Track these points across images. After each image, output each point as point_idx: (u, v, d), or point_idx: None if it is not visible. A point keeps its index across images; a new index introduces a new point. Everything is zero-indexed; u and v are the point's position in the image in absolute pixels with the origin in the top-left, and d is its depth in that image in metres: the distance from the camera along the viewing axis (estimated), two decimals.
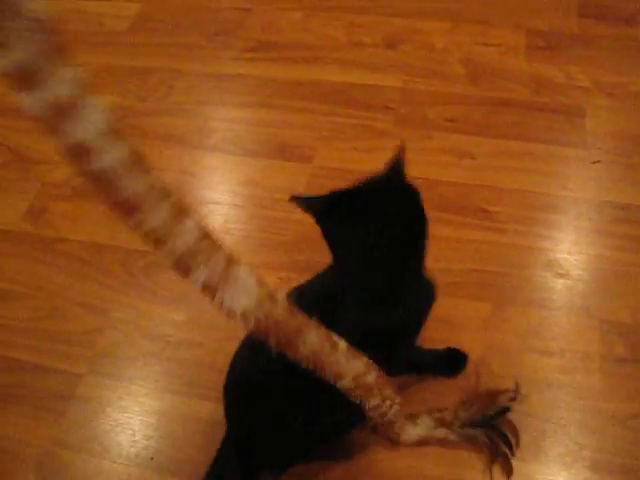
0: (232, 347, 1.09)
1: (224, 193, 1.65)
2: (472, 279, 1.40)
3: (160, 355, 1.35)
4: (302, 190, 1.57)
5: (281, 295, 0.85)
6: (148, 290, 1.48)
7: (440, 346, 1.28)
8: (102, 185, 0.66)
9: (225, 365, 1.09)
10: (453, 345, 1.31)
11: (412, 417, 1.21)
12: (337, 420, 1.11)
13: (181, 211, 0.72)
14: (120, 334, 1.39)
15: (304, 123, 1.75)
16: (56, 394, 1.33)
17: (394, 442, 1.21)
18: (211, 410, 1.24)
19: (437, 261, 1.38)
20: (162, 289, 1.47)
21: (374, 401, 1.03)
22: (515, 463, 1.17)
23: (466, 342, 1.30)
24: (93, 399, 1.32)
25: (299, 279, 1.09)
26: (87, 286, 1.51)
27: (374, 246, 0.95)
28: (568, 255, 1.42)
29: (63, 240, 1.60)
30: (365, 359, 0.96)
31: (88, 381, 1.34)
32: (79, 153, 0.64)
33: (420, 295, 1.05)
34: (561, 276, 1.38)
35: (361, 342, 0.95)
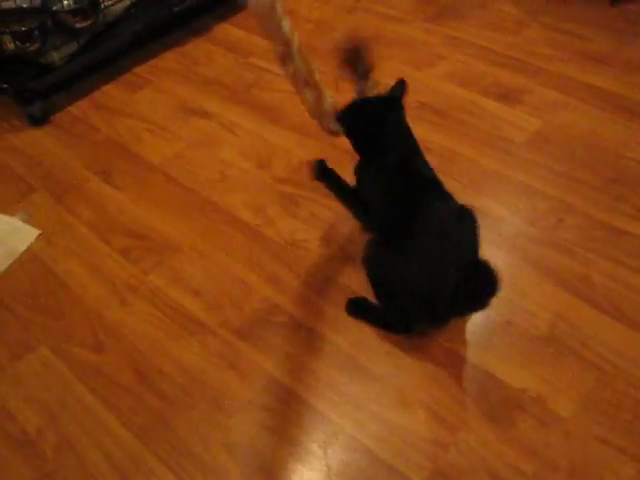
0: None
1: (594, 353, 1.60)
2: None
3: None
4: None
5: None
6: (501, 427, 1.48)
7: None
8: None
9: None
10: None
11: None
12: None
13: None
14: None
15: None
16: None
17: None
18: None
19: None
20: (516, 432, 1.45)
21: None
22: None
23: None
24: None
25: None
26: (440, 395, 1.54)
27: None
28: None
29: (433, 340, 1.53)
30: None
31: None
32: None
33: None
34: None
35: None
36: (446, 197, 1.57)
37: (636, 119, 2.20)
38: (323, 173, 1.62)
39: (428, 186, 1.57)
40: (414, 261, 1.45)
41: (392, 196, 1.53)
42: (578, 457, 1.38)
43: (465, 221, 1.52)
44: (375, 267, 1.56)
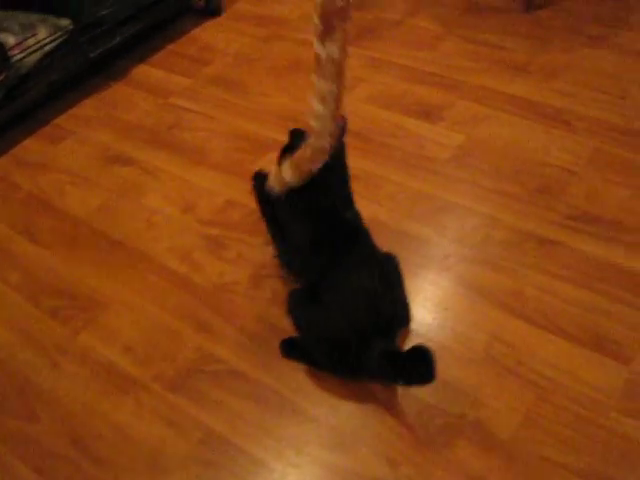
0: None
1: (531, 371, 1.58)
2: None
3: None
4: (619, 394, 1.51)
5: None
6: (441, 455, 1.43)
7: None
8: None
9: None
10: None
11: None
12: None
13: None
14: None
15: (625, 319, 1.66)
16: None
17: None
18: None
19: None
20: (456, 458, 1.43)
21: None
22: None
23: None
24: None
25: None
26: (379, 430, 1.53)
27: None
28: None
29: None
30: None
31: None
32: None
33: None
34: None
35: None
36: (369, 247, 1.56)
37: (557, 125, 2.22)
38: (261, 188, 1.63)
39: (352, 235, 1.53)
40: (331, 313, 1.48)
41: (316, 243, 1.50)
42: (522, 479, 1.34)
43: (387, 270, 1.54)
44: (297, 318, 1.57)
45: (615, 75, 2.45)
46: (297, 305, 1.56)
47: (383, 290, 1.50)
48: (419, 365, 1.36)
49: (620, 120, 2.24)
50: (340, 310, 1.47)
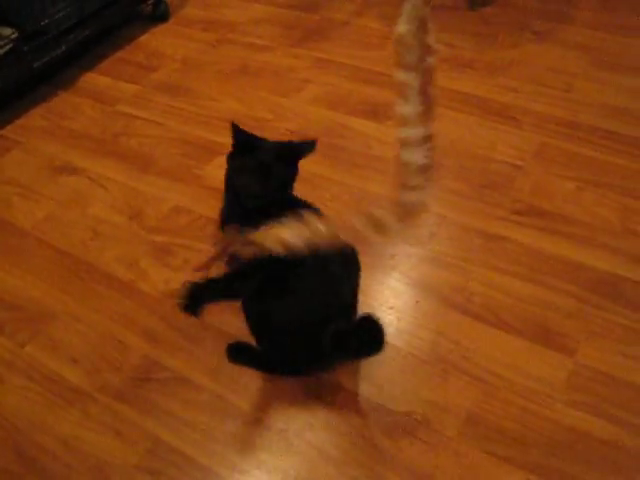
0: None
1: (477, 366, 1.60)
2: None
3: None
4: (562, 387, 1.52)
5: None
6: (389, 454, 1.46)
7: None
8: None
9: None
10: None
11: None
12: None
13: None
14: None
15: (570, 310, 1.68)
16: None
17: None
18: None
19: None
20: (405, 456, 1.44)
21: None
22: None
23: None
24: None
25: None
26: (327, 432, 1.53)
27: None
28: None
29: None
30: None
31: None
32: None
33: None
34: None
35: None
36: None
37: (503, 120, 2.24)
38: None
39: None
40: (295, 302, 1.47)
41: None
42: (468, 475, 1.39)
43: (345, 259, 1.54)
44: (254, 314, 1.56)
45: (559, 69, 2.48)
46: (253, 301, 1.55)
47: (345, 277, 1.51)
48: (370, 334, 1.39)
49: (565, 114, 2.27)
50: (309, 294, 1.46)
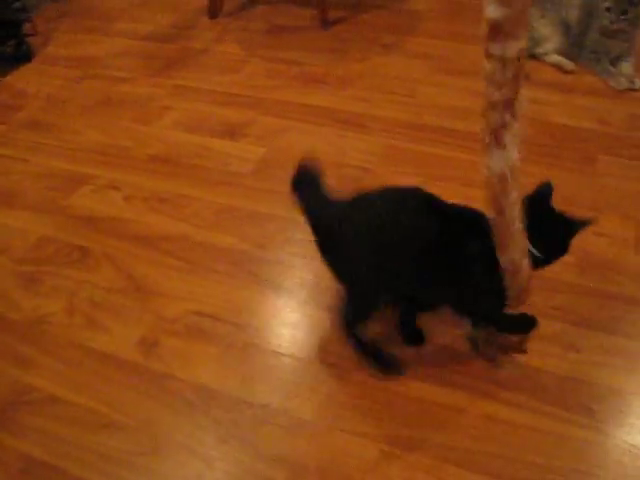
0: None
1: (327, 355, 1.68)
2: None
3: None
4: None
5: None
6: (251, 444, 1.52)
7: None
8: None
9: None
10: None
11: None
12: None
13: None
14: None
15: None
16: None
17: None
18: None
19: (538, 454, 1.42)
20: (265, 445, 1.51)
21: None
22: None
23: None
24: None
25: None
26: (191, 429, 1.56)
27: None
28: None
29: (172, 377, 1.66)
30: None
31: None
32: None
33: None
34: None
35: None
36: None
37: (352, 128, 2.38)
38: None
39: None
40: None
41: None
42: (325, 453, 1.48)
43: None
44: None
45: (404, 77, 2.65)
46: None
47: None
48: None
49: (410, 117, 2.43)
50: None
